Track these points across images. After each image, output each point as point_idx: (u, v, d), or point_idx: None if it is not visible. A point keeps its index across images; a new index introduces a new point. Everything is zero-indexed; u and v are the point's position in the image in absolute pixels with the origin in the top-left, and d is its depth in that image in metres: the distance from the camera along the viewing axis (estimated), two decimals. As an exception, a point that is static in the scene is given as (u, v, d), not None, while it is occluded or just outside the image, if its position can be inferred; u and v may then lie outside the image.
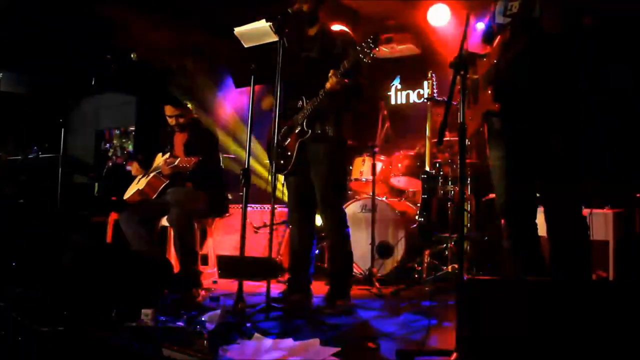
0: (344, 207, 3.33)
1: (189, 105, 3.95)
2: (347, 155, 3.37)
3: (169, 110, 3.88)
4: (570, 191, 2.26)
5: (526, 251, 2.40)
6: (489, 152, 2.49)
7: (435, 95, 4.21)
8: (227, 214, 4.24)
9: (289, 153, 3.24)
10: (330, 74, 2.94)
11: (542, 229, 2.42)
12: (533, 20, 2.20)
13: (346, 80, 2.98)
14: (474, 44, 2.55)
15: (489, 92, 2.37)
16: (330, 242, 3.34)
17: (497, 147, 2.44)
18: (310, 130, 3.16)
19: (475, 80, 2.46)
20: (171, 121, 3.91)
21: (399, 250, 4.25)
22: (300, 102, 3.19)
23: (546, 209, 2.32)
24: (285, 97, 3.26)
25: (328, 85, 2.97)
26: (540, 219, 2.41)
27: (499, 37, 2.37)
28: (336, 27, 3.44)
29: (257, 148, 5.33)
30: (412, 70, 5.75)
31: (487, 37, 2.50)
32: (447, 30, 5.45)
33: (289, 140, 3.25)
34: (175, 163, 3.52)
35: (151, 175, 3.91)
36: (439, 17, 5.40)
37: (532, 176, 2.38)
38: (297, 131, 3.21)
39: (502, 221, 2.47)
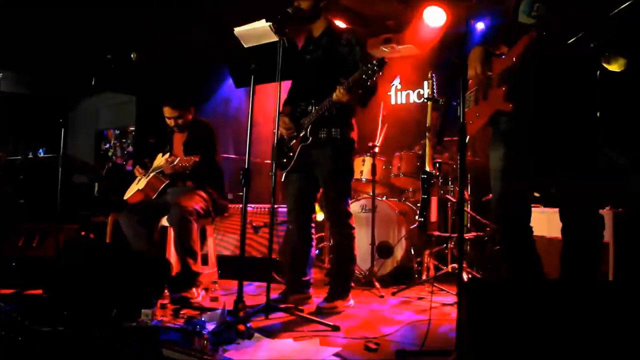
0: (350, 208, 3.33)
1: (189, 106, 3.93)
2: (353, 156, 3.36)
3: (167, 111, 3.86)
4: (588, 190, 2.25)
5: (521, 253, 2.40)
6: (490, 152, 2.48)
7: (435, 95, 4.21)
8: (228, 215, 4.24)
9: (291, 154, 3.26)
10: (337, 87, 2.95)
11: (546, 230, 2.41)
12: (559, 31, 2.18)
13: (353, 93, 2.98)
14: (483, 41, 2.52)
15: (502, 90, 2.35)
16: (334, 242, 3.35)
17: (500, 148, 2.42)
18: (311, 137, 3.17)
19: (488, 77, 2.44)
20: (170, 122, 3.90)
21: (399, 250, 4.25)
22: (310, 107, 3.19)
23: (563, 209, 2.31)
24: (296, 99, 3.28)
25: (335, 97, 2.98)
26: (548, 220, 2.40)
27: (522, 38, 2.33)
28: (341, 25, 3.45)
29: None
30: (412, 70, 5.76)
31: (501, 30, 2.49)
32: (446, 30, 5.45)
33: (293, 141, 3.26)
34: (175, 162, 3.52)
35: (151, 175, 3.91)
36: (435, 18, 5.40)
37: (533, 178, 2.37)
38: (301, 135, 3.22)
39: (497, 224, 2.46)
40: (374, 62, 2.85)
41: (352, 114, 3.29)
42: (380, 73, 2.85)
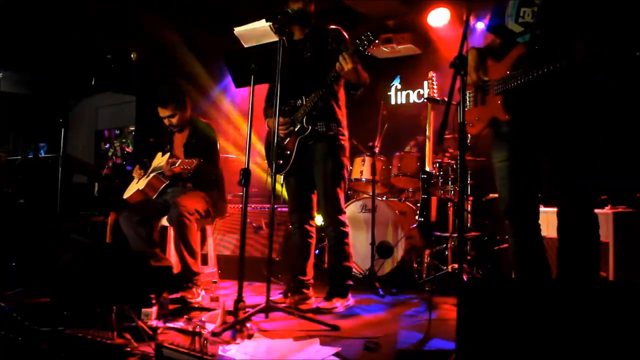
0: (344, 206, 3.33)
1: (182, 105, 3.90)
2: (348, 154, 3.37)
3: (160, 111, 3.86)
4: (583, 189, 2.25)
5: (530, 252, 2.41)
6: (492, 153, 2.49)
7: (435, 95, 4.21)
8: (227, 215, 4.24)
9: (288, 152, 3.24)
10: (340, 56, 2.96)
11: (546, 230, 2.42)
12: (554, 46, 2.17)
13: (355, 64, 2.99)
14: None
15: (499, 100, 2.35)
16: (330, 241, 3.34)
17: (501, 149, 2.43)
18: (310, 127, 3.17)
19: (485, 82, 2.44)
20: (165, 122, 3.90)
21: (399, 250, 4.25)
22: (300, 101, 3.20)
23: (560, 207, 2.32)
24: (284, 97, 3.26)
25: (337, 67, 2.96)
26: (546, 220, 2.41)
27: (515, 48, 2.33)
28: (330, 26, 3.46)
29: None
30: (412, 70, 5.77)
31: (496, 30, 2.48)
32: (446, 30, 5.46)
33: (287, 139, 3.25)
34: (177, 164, 3.51)
35: (151, 175, 3.91)
36: (439, 19, 5.41)
37: (537, 178, 2.37)
38: (296, 129, 3.21)
39: (507, 222, 2.47)
40: (368, 32, 2.91)
41: (343, 109, 3.30)
42: (376, 41, 2.93)
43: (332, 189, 3.22)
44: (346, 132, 3.32)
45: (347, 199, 4.67)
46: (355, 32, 3.28)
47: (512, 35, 2.35)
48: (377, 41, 2.92)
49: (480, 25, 4.94)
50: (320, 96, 3.09)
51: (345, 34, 3.23)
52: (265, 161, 3.57)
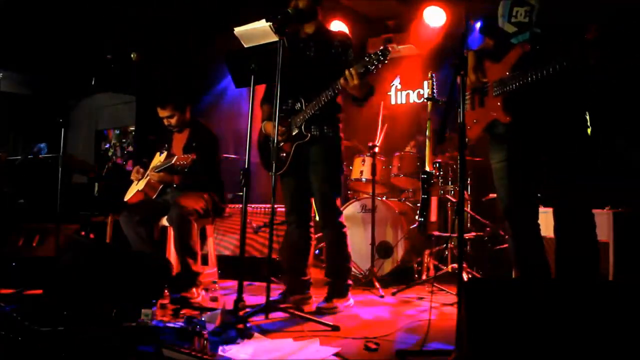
0: (341, 207, 3.33)
1: (181, 106, 3.91)
2: (344, 155, 3.36)
3: (159, 112, 3.86)
4: (582, 189, 2.25)
5: (530, 252, 2.40)
6: (490, 154, 2.49)
7: (435, 95, 4.20)
8: (226, 215, 4.23)
9: (284, 154, 3.24)
10: (347, 70, 2.89)
11: (545, 230, 2.42)
12: (558, 45, 2.16)
13: (360, 80, 2.94)
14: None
15: (499, 101, 2.35)
16: (328, 242, 3.34)
17: (499, 149, 2.43)
18: (308, 134, 3.16)
19: (483, 84, 2.44)
20: (165, 122, 3.90)
21: (399, 250, 4.26)
22: (299, 104, 3.18)
23: (556, 208, 2.32)
24: (282, 95, 3.25)
25: (342, 81, 2.92)
26: (545, 220, 2.41)
27: (514, 49, 2.32)
28: (334, 27, 3.44)
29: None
30: (412, 70, 5.76)
31: (489, 31, 2.48)
32: (445, 30, 5.46)
33: (284, 142, 3.25)
34: (172, 161, 3.51)
35: (150, 175, 3.91)
36: (435, 18, 5.41)
37: (535, 178, 2.37)
38: (294, 134, 3.20)
39: (507, 222, 2.47)
40: (378, 51, 2.81)
41: (340, 112, 3.30)
42: (385, 62, 2.81)
43: (329, 190, 3.21)
44: (342, 135, 3.31)
45: (345, 199, 4.67)
46: (360, 35, 3.27)
47: (506, 36, 2.35)
48: (386, 61, 2.80)
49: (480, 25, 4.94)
50: (320, 105, 3.07)
51: (351, 41, 3.21)
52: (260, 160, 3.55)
